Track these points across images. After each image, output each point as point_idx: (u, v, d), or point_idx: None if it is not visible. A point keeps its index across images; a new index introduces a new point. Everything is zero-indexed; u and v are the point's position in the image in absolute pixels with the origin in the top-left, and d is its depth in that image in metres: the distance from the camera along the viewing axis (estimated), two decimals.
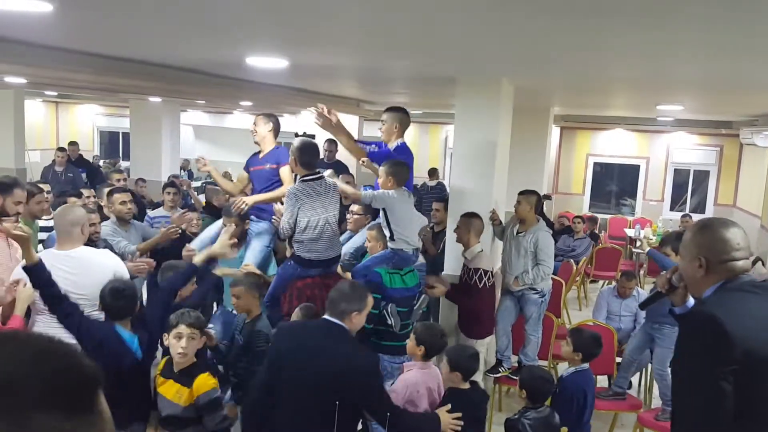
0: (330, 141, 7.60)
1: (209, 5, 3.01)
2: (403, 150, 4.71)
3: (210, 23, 3.53)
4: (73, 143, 10.80)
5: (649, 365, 5.49)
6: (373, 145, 4.83)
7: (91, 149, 17.26)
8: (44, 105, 17.19)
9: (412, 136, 15.93)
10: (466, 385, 3.37)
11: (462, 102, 5.24)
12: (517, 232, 5.20)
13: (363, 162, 4.52)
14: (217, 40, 4.18)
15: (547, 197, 10.46)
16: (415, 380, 3.30)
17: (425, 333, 3.40)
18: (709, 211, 13.05)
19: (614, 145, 13.70)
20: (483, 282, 4.74)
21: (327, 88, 8.32)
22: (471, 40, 3.58)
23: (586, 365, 3.95)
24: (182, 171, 11.75)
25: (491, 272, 4.84)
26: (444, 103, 9.00)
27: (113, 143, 17.91)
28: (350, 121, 12.21)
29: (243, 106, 11.61)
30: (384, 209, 4.27)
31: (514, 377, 5.19)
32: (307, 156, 4.24)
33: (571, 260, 8.25)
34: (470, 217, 4.92)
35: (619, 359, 5.29)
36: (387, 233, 4.31)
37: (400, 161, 4.49)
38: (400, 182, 4.35)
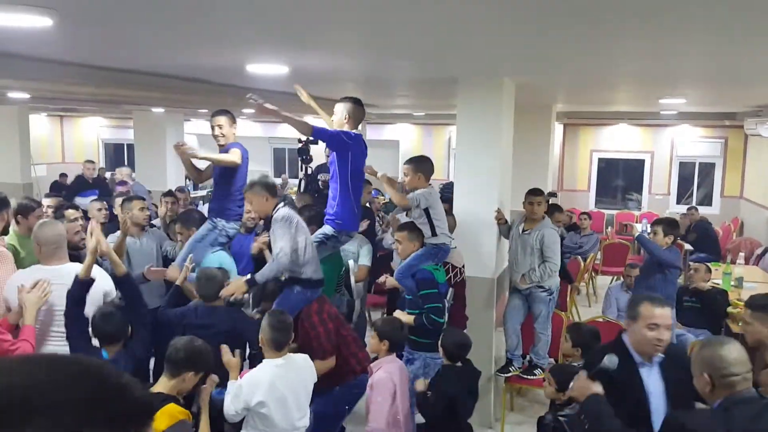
0: None
1: (208, 14, 3.02)
2: (353, 138, 4.20)
3: (209, 32, 3.54)
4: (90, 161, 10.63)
5: None
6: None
7: (96, 162, 17.35)
8: (49, 119, 17.30)
9: (415, 137, 15.95)
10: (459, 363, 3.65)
11: (464, 102, 5.24)
12: (523, 231, 5.19)
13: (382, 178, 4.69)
14: (217, 49, 4.19)
15: (553, 194, 10.44)
16: (390, 377, 3.51)
17: (386, 327, 3.63)
18: (716, 203, 13.00)
19: (618, 141, 13.66)
20: (449, 276, 4.68)
21: (329, 93, 8.33)
22: (472, 39, 3.57)
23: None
24: (188, 180, 11.76)
25: (459, 269, 4.83)
26: (447, 103, 8.99)
27: (118, 155, 18.01)
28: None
29: (245, 113, 11.64)
30: (426, 208, 4.39)
31: (525, 376, 5.18)
32: (273, 185, 4.05)
33: (579, 257, 8.22)
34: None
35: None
36: (428, 230, 4.39)
37: (423, 157, 4.72)
38: (429, 178, 4.58)
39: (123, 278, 3.43)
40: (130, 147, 15.25)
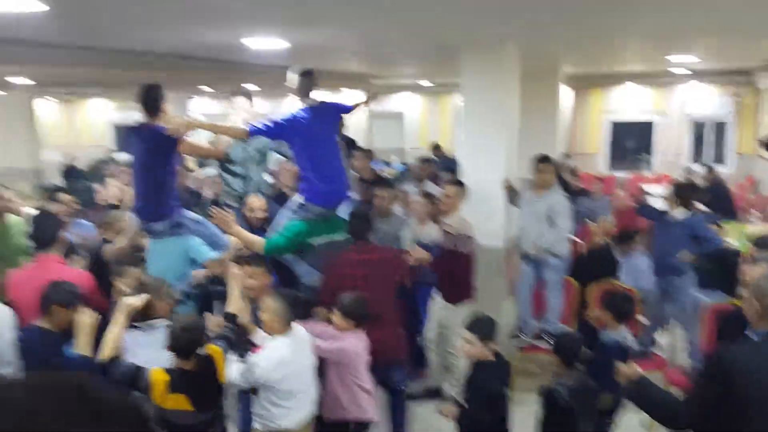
0: None
1: None
2: (289, 119, 4.06)
3: (207, 8, 3.49)
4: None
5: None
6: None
7: (106, 144, 17.40)
8: (57, 103, 17.32)
9: (421, 107, 15.81)
10: (492, 357, 3.37)
11: (468, 69, 5.16)
12: (533, 198, 5.15)
13: None
14: (216, 25, 4.14)
15: (568, 156, 10.32)
16: (353, 348, 3.51)
17: (352, 305, 3.53)
18: (730, 162, 12.81)
19: (629, 102, 13.46)
20: (472, 247, 4.62)
21: (332, 65, 8.25)
22: (473, 4, 3.50)
23: (622, 328, 3.87)
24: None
25: (473, 237, 4.71)
26: (452, 71, 8.88)
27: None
28: (357, 96, 12.16)
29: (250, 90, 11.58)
30: None
31: (536, 344, 5.18)
32: None
33: (590, 221, 8.14)
34: (462, 185, 4.84)
35: (641, 318, 5.24)
36: None
37: None
38: None
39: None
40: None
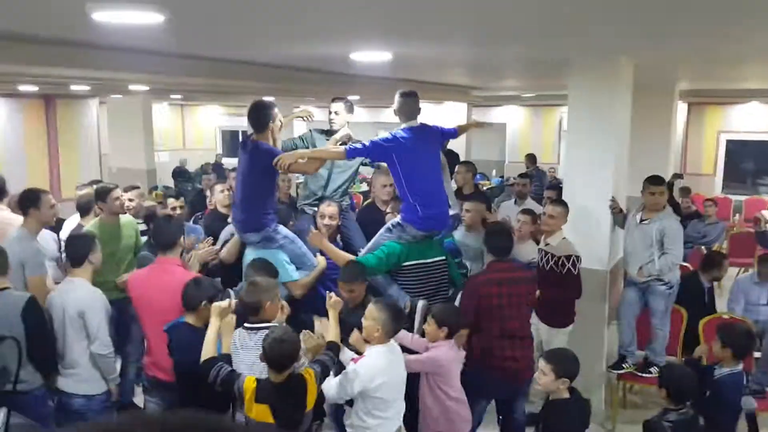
0: None
1: (315, 9, 3.00)
2: (391, 139, 4.02)
3: (316, 25, 3.54)
4: None
5: None
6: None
7: (214, 148, 18.25)
8: (170, 108, 18.35)
9: (523, 119, 15.48)
10: (566, 394, 3.23)
11: (576, 84, 4.95)
12: (641, 220, 4.86)
13: None
14: (323, 41, 4.20)
15: (679, 176, 9.72)
16: (444, 356, 3.46)
17: (445, 314, 3.50)
18: None
19: (749, 120, 12.52)
20: (577, 269, 4.41)
21: (435, 77, 8.21)
22: (587, 19, 3.34)
23: (740, 366, 3.60)
24: None
25: (579, 257, 4.47)
26: (557, 83, 8.61)
27: (235, 141, 18.82)
28: (459, 108, 12.06)
29: (351, 100, 11.75)
30: None
31: (640, 374, 4.89)
32: None
33: (702, 247, 7.64)
34: (565, 206, 4.67)
35: (757, 354, 4.84)
36: None
37: None
38: None
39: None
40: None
